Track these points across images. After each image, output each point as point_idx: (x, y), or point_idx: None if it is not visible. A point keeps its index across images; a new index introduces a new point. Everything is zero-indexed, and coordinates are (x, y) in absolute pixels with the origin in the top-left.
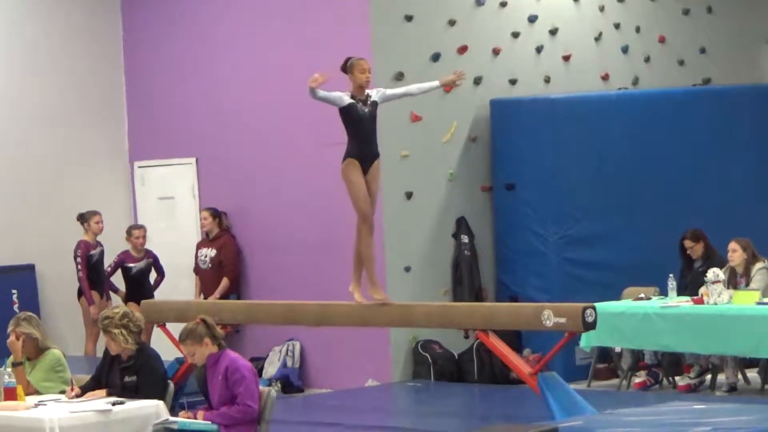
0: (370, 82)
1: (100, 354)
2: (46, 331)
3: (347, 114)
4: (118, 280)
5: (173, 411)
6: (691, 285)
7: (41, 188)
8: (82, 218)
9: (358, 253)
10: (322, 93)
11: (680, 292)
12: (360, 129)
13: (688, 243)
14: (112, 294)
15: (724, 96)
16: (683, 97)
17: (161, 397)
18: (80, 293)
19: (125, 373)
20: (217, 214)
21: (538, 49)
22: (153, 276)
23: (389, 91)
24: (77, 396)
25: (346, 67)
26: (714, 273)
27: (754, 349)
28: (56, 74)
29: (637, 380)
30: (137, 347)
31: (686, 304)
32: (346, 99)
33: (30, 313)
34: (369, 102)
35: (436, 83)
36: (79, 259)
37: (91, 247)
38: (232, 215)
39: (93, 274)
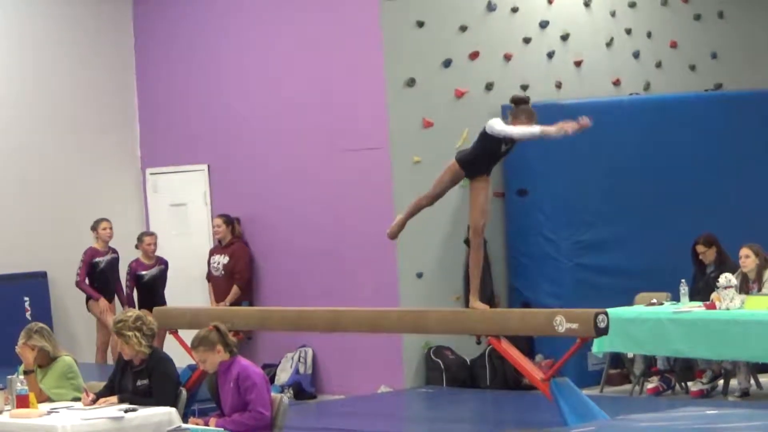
0: None
1: (110, 361)
2: (57, 340)
3: (491, 143)
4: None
5: (185, 418)
6: (703, 290)
7: (53, 195)
8: (93, 227)
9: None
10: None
11: (692, 298)
12: (484, 159)
13: (700, 248)
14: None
15: (736, 101)
16: (695, 102)
17: (173, 401)
18: (87, 300)
19: (138, 377)
20: (230, 221)
21: (550, 55)
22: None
23: (521, 131)
24: (93, 402)
25: (517, 112)
26: (726, 278)
27: (767, 354)
28: (69, 81)
29: (649, 386)
30: (150, 351)
31: (698, 310)
32: (503, 129)
33: (42, 325)
34: (512, 142)
35: (553, 130)
36: (80, 263)
37: (98, 254)
38: (244, 222)
39: (100, 281)
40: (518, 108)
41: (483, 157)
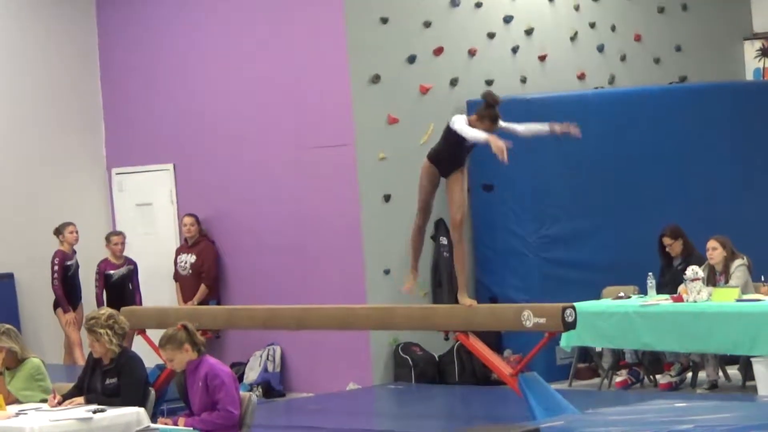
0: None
1: (79, 363)
2: (24, 341)
3: (456, 138)
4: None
5: (154, 418)
6: (670, 283)
7: (19, 196)
8: (57, 231)
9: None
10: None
11: (660, 290)
12: (455, 155)
13: (666, 240)
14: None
15: (701, 93)
16: (660, 95)
17: (142, 400)
18: (56, 305)
19: (106, 376)
20: (198, 220)
21: (514, 50)
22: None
23: (514, 126)
24: (59, 404)
25: (482, 115)
26: (693, 270)
27: (734, 346)
28: (32, 82)
29: (618, 379)
30: (120, 350)
31: (666, 303)
32: (465, 128)
33: (8, 326)
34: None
35: (546, 129)
36: (56, 268)
37: (67, 257)
38: (211, 220)
39: (69, 285)
40: (486, 110)
41: (451, 150)
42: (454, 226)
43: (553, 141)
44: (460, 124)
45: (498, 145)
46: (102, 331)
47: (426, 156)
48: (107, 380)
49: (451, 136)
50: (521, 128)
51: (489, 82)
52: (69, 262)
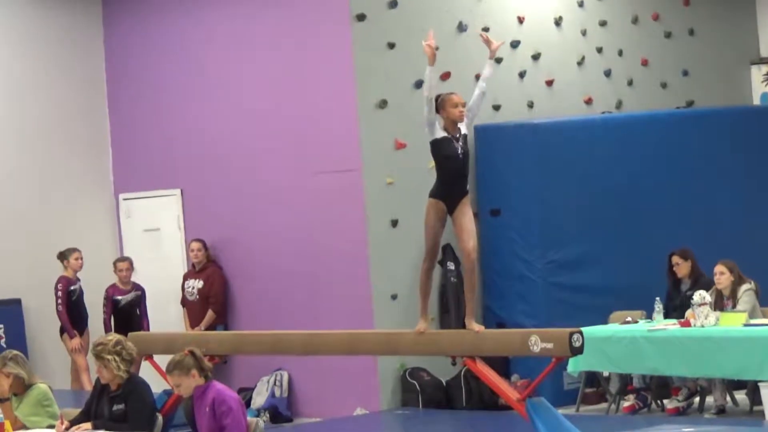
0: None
1: (86, 389)
2: (32, 367)
3: (438, 148)
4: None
5: None
6: (679, 308)
7: (27, 222)
8: (62, 255)
9: (470, 284)
10: (429, 91)
11: (668, 315)
12: (450, 166)
13: (676, 259)
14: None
15: (708, 118)
16: (667, 119)
17: (149, 426)
18: (62, 331)
19: (114, 402)
20: (206, 245)
21: (521, 75)
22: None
23: (469, 103)
24: (66, 429)
25: (437, 106)
26: (700, 295)
27: (742, 370)
28: (40, 108)
29: (625, 404)
30: (128, 376)
31: (673, 327)
32: (440, 132)
33: (16, 352)
34: (460, 137)
35: (490, 61)
36: (59, 293)
37: (71, 282)
38: (218, 246)
39: (74, 310)
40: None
41: (447, 171)
42: (467, 255)
43: (560, 166)
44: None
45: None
46: (109, 357)
47: (428, 196)
48: (115, 406)
49: (438, 149)
50: (480, 87)
51: (496, 107)
52: (73, 288)
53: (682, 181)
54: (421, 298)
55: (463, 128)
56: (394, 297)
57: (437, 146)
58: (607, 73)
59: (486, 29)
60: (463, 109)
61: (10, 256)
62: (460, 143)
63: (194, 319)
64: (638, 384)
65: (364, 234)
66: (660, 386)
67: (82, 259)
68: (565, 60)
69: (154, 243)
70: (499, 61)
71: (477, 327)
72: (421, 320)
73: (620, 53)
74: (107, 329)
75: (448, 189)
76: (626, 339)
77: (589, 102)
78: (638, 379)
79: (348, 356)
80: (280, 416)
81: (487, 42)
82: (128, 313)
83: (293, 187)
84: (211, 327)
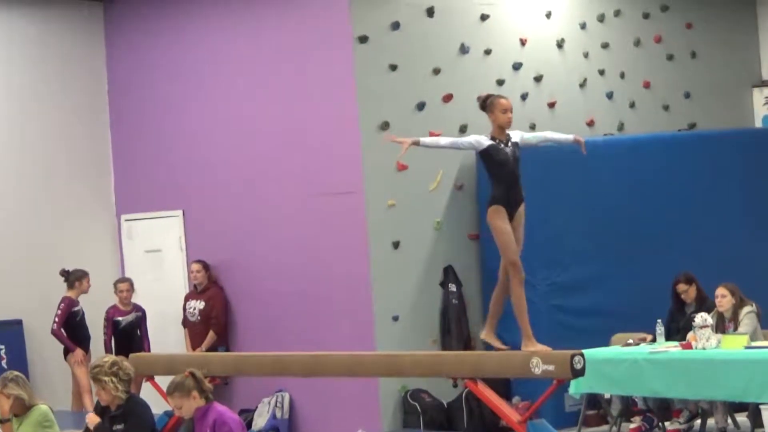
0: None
1: (88, 410)
2: (33, 388)
3: (489, 157)
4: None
5: None
6: (683, 330)
7: (28, 243)
8: (71, 275)
9: (498, 300)
10: (444, 141)
11: (670, 337)
12: (505, 172)
13: (681, 287)
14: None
15: (710, 140)
16: (669, 141)
17: None
18: (66, 351)
19: (114, 422)
20: (207, 267)
21: (523, 97)
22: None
23: (526, 135)
24: None
25: (485, 106)
26: (702, 318)
27: (743, 393)
28: (42, 129)
29: (632, 426)
30: (127, 397)
31: (675, 350)
32: (485, 141)
33: (17, 373)
34: (511, 143)
35: (570, 137)
36: (59, 312)
37: (74, 303)
38: (220, 266)
39: (77, 331)
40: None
41: (502, 177)
42: (519, 269)
43: (563, 188)
44: (450, 140)
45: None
46: (107, 378)
47: (489, 204)
48: (114, 426)
49: (486, 159)
50: (552, 136)
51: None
52: (76, 308)
53: (684, 203)
54: (523, 318)
55: (515, 136)
56: (395, 318)
57: (487, 155)
58: (609, 96)
59: (488, 52)
60: (511, 114)
61: (11, 277)
62: (511, 148)
63: (195, 340)
64: (643, 406)
65: (365, 256)
66: (661, 408)
67: (89, 282)
68: (567, 82)
69: (156, 264)
70: (501, 83)
71: (539, 347)
72: (529, 341)
73: (622, 76)
74: (107, 350)
75: (507, 194)
76: (628, 361)
77: (591, 124)
78: (641, 401)
79: (349, 378)
80: None
81: (580, 144)
82: (129, 334)
83: (295, 209)
84: (212, 348)
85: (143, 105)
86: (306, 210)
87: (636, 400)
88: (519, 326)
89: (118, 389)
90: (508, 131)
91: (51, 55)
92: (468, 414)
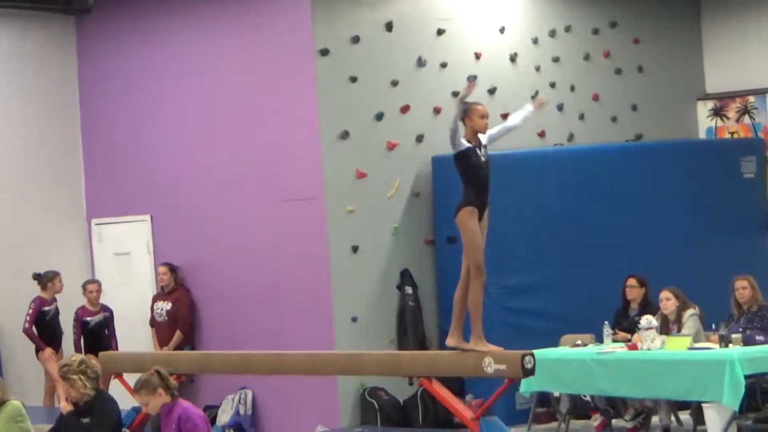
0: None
1: (57, 405)
2: (5, 385)
3: (467, 159)
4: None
5: None
6: (627, 332)
7: (1, 245)
8: (43, 277)
9: (462, 300)
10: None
11: (614, 328)
12: (479, 176)
13: (631, 281)
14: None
15: (655, 151)
16: (616, 152)
17: None
18: (37, 350)
19: (81, 416)
20: (173, 269)
21: None
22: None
23: (490, 132)
24: None
25: (462, 113)
26: (647, 320)
27: (687, 392)
28: (13, 133)
29: (595, 423)
30: (95, 393)
31: (621, 350)
32: (464, 143)
33: None
34: (483, 147)
35: (530, 108)
36: (30, 311)
37: (45, 303)
38: (187, 269)
39: (48, 331)
40: (464, 113)
41: (477, 179)
42: (482, 270)
43: (514, 196)
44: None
45: (468, 91)
46: (75, 377)
47: (458, 207)
48: (82, 419)
49: (464, 161)
50: (511, 122)
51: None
52: (46, 308)
53: (631, 211)
54: (477, 319)
55: (483, 139)
56: (354, 319)
57: (465, 157)
58: (560, 108)
59: (444, 65)
60: (488, 121)
61: None
62: (483, 151)
63: (162, 340)
64: (591, 404)
65: (326, 259)
66: (609, 406)
67: (61, 282)
68: (519, 94)
69: (125, 266)
70: (456, 95)
71: (491, 347)
72: (480, 340)
73: (572, 88)
74: (77, 349)
75: (480, 197)
76: (576, 361)
77: (542, 135)
78: (590, 399)
79: (310, 376)
80: None
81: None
82: (97, 333)
83: (259, 214)
84: (178, 347)
85: (113, 114)
86: (269, 215)
87: (593, 398)
88: (471, 326)
89: (86, 386)
90: (479, 136)
91: (25, 66)
92: (423, 411)
